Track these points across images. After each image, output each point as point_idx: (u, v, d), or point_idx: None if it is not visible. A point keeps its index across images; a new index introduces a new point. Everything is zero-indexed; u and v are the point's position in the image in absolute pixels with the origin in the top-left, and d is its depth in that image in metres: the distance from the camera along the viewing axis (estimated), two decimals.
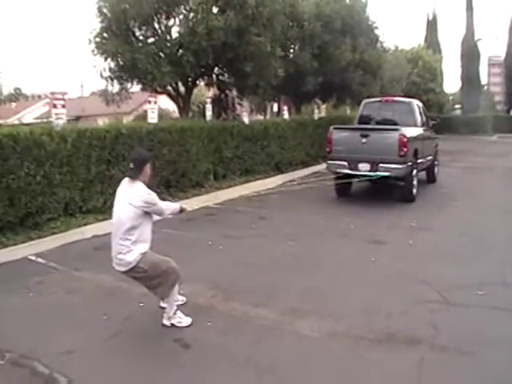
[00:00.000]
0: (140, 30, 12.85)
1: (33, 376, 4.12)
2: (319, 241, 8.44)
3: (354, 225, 9.38)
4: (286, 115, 18.33)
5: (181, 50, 12.69)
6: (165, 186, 11.70)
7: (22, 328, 5.08)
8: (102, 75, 13.53)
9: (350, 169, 11.28)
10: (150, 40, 12.89)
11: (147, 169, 5.09)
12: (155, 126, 11.50)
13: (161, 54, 12.58)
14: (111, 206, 9.26)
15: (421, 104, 13.81)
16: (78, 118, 30.38)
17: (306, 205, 11.56)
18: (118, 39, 12.34)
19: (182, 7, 12.60)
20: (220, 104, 16.65)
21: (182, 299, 5.52)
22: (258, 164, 15.63)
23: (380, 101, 13.54)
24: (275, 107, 24.31)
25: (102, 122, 13.61)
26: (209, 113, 14.32)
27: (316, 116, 20.23)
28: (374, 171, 10.85)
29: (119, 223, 4.91)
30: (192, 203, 10.59)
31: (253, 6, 12.39)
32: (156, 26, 12.91)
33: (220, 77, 15.43)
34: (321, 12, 17.38)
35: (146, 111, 13.34)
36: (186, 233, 9.01)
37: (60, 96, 9.68)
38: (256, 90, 15.40)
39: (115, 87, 14.12)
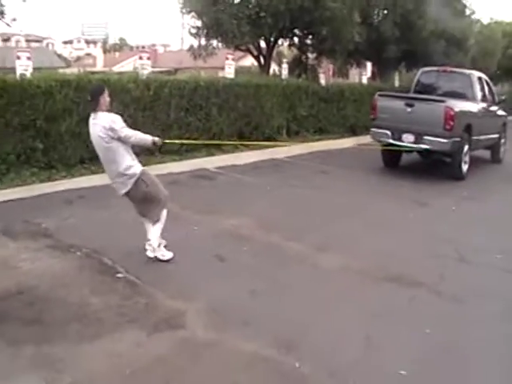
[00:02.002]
0: None
1: (99, 265, 5.35)
2: (367, 196, 9.16)
3: (404, 187, 10.00)
4: (364, 80, 18.76)
5: (260, 12, 13.45)
6: (238, 137, 12.70)
7: (99, 233, 6.32)
8: (190, 32, 14.65)
9: (394, 139, 10.75)
10: (232, 1, 13.74)
11: (105, 98, 5.27)
12: (231, 80, 12.50)
13: (241, 14, 13.42)
14: (188, 149, 10.57)
15: (485, 77, 12.98)
16: (175, 70, 31.69)
17: (367, 165, 11.99)
18: None
19: None
20: (300, 65, 17.36)
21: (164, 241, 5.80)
22: (333, 124, 16.36)
23: (437, 70, 12.78)
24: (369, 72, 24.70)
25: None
26: (284, 72, 15.10)
27: (397, 83, 20.45)
28: (418, 143, 10.38)
29: (102, 158, 5.38)
30: (262, 155, 11.70)
31: None
32: None
33: (300, 39, 16.09)
34: None
35: (240, 67, 14.31)
36: (251, 178, 10.04)
37: (146, 49, 10.81)
38: (333, 54, 15.95)
39: (201, 43, 15.19)
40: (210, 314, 4.44)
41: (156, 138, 5.58)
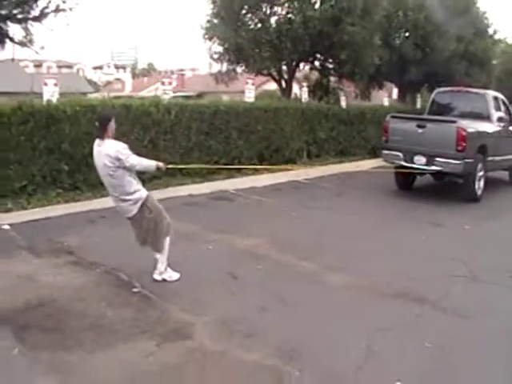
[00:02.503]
0: (245, 16, 14.17)
1: (117, 280, 5.64)
2: (381, 217, 9.32)
3: (419, 208, 10.09)
4: (385, 102, 18.97)
5: (280, 37, 13.85)
6: (258, 160, 12.99)
7: (118, 251, 6.63)
8: (212, 57, 15.13)
9: (405, 161, 10.68)
10: (253, 27, 14.19)
11: (112, 125, 5.38)
12: (251, 104, 12.85)
13: (262, 40, 13.83)
14: (209, 171, 10.88)
15: (502, 97, 12.64)
16: (200, 94, 32.28)
17: (384, 187, 12.04)
18: (225, 25, 13.81)
19: None
20: (321, 87, 17.69)
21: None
22: (354, 147, 16.58)
23: (452, 91, 12.66)
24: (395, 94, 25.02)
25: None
26: (305, 95, 15.43)
27: (419, 104, 20.60)
28: (430, 165, 10.29)
29: (106, 183, 5.46)
30: (282, 177, 11.96)
31: None
32: (259, 13, 14.16)
33: (321, 62, 16.44)
34: (424, 3, 17.69)
35: (265, 91, 14.69)
36: (270, 200, 10.30)
37: (174, 74, 11.29)
38: (353, 77, 16.25)
39: (223, 68, 15.67)
40: (218, 327, 4.67)
41: (160, 164, 5.65)
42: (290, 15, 13.56)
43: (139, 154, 9.93)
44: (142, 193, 5.48)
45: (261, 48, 13.81)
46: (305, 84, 16.35)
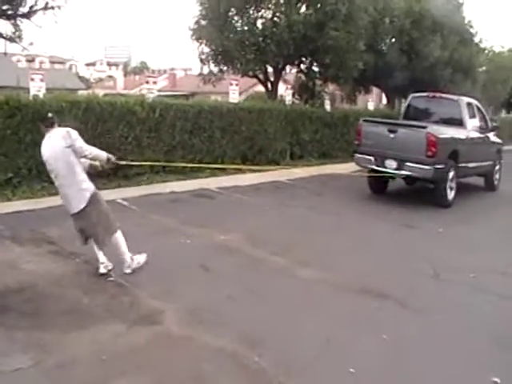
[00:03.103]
0: (232, 18, 14.48)
1: (94, 270, 5.95)
2: (356, 217, 9.60)
3: (394, 211, 10.33)
4: (370, 106, 19.34)
5: (265, 40, 14.17)
6: (241, 160, 13.28)
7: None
8: (199, 58, 15.44)
9: (377, 165, 10.74)
10: (239, 29, 14.50)
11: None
12: (235, 105, 13.14)
13: (247, 42, 14.14)
14: (192, 170, 11.12)
15: (476, 103, 12.70)
16: (192, 95, 32.48)
17: (362, 190, 12.19)
18: (212, 27, 14.11)
19: (267, 2, 14.02)
20: (307, 91, 18.02)
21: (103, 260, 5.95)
22: (336, 149, 16.92)
23: (427, 96, 12.56)
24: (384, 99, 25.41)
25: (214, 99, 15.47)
26: (288, 97, 15.76)
27: (403, 109, 20.94)
28: (401, 170, 10.33)
29: (60, 171, 5.47)
30: (264, 177, 12.24)
31: (332, 3, 13.61)
32: (246, 16, 14.47)
33: (306, 66, 16.79)
34: (411, 9, 18.07)
35: (256, 92, 14.97)
36: (250, 198, 10.59)
37: (153, 74, 11.56)
38: (337, 80, 16.60)
39: (210, 69, 15.99)
40: (186, 314, 4.96)
41: (110, 156, 5.77)
42: (275, 19, 13.86)
43: (125, 151, 10.31)
44: (91, 184, 5.63)
45: (246, 50, 14.10)
46: (289, 86, 16.64)
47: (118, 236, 5.79)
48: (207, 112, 12.27)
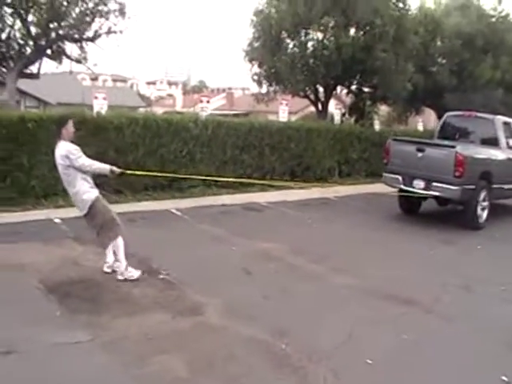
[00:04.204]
0: (282, 41, 15.19)
1: (147, 268, 6.65)
2: (396, 233, 9.97)
3: (434, 228, 10.52)
4: (420, 127, 19.57)
5: (314, 62, 14.78)
6: (290, 176, 13.83)
7: (152, 246, 7.62)
8: (252, 78, 16.24)
9: (405, 184, 10.56)
10: (290, 51, 15.18)
11: (67, 129, 5.92)
12: (285, 124, 13.76)
13: (297, 63, 14.80)
14: (242, 184, 11.75)
15: None
16: (247, 114, 33.34)
17: None
18: (264, 48, 14.86)
19: (317, 25, 14.65)
20: (357, 111, 18.46)
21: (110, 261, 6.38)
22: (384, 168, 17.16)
23: (463, 115, 12.26)
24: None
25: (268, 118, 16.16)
26: (337, 117, 16.26)
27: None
28: (428, 190, 10.16)
29: (63, 180, 5.98)
30: (313, 193, 12.71)
31: (380, 25, 14.08)
32: (296, 38, 15.15)
33: (357, 86, 17.29)
34: (461, 30, 18.25)
35: (311, 112, 15.56)
36: (297, 213, 11.10)
37: (206, 94, 12.37)
38: (385, 101, 16.99)
39: (263, 89, 16.76)
40: (225, 308, 5.55)
41: (114, 168, 6.10)
42: (324, 41, 14.51)
43: (179, 164, 11.08)
44: (91, 195, 5.99)
45: (296, 71, 14.76)
46: (338, 107, 17.15)
47: (119, 242, 6.13)
48: (257, 130, 12.95)
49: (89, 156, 10.03)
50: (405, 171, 10.55)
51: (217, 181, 11.33)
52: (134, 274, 6.18)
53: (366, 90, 17.54)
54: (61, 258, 6.79)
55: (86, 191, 5.95)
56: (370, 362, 4.60)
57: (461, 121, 12.28)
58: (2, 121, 9.46)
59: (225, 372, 4.27)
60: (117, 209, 9.59)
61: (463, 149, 10.14)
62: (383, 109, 25.13)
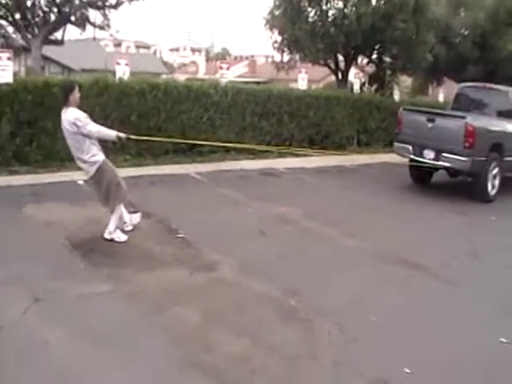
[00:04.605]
0: (303, 10, 15.21)
1: (166, 227, 7.02)
2: (410, 202, 10.11)
3: (447, 199, 10.47)
4: (441, 98, 19.50)
5: (334, 31, 14.80)
6: (308, 143, 13.99)
7: (171, 207, 7.96)
8: (273, 46, 16.33)
9: (415, 154, 10.54)
10: (310, 20, 15.21)
11: (75, 95, 5.95)
12: (304, 91, 13.88)
13: (318, 32, 14.84)
14: (260, 151, 11.95)
15: None
16: (270, 81, 33.28)
17: None
18: (284, 17, 14.91)
19: None
20: (377, 80, 18.44)
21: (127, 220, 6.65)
22: None
23: (476, 86, 12.13)
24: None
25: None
26: (356, 86, 16.32)
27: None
28: (438, 161, 10.09)
29: (70, 145, 6.08)
30: (331, 161, 12.87)
31: None
32: (317, 7, 15.15)
33: (377, 56, 17.26)
34: (485, 2, 18.01)
35: (334, 81, 15.61)
36: (313, 179, 11.39)
37: (226, 61, 12.55)
38: (405, 71, 16.96)
39: (284, 57, 16.84)
40: (239, 265, 5.86)
41: (120, 134, 6.18)
42: (345, 10, 14.49)
43: (199, 130, 11.33)
44: (99, 157, 6.12)
45: (316, 40, 14.80)
46: (358, 76, 17.16)
47: (119, 206, 6.33)
48: (276, 97, 13.10)
49: (112, 120, 10.46)
50: (415, 141, 10.55)
51: (233, 148, 11.50)
52: (122, 237, 6.32)
53: (386, 59, 17.47)
54: (85, 217, 7.13)
55: (94, 154, 6.07)
56: (375, 319, 4.87)
57: (475, 92, 12.09)
58: (28, 86, 9.76)
59: (236, 322, 4.58)
60: (138, 172, 10.09)
61: (473, 119, 10.05)
62: (406, 79, 25.05)
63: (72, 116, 5.86)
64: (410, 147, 10.64)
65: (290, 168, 12.12)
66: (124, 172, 9.83)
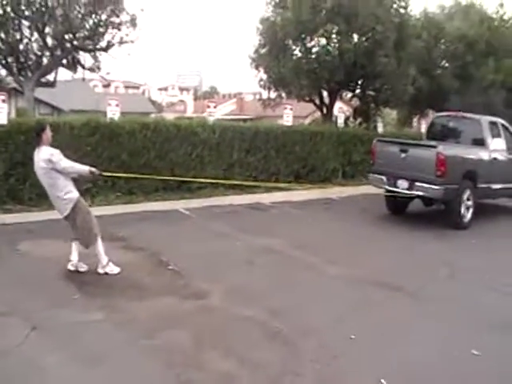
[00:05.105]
0: (287, 47, 15.85)
1: (157, 260, 7.33)
2: (391, 230, 10.47)
3: (431, 225, 10.94)
4: (423, 129, 20.05)
5: (318, 68, 15.40)
6: (295, 178, 14.40)
7: (161, 241, 8.25)
8: (259, 84, 16.92)
9: (389, 185, 10.71)
10: (294, 57, 15.82)
11: (47, 134, 6.18)
12: (289, 127, 14.36)
13: (302, 69, 15.43)
14: (249, 186, 12.32)
15: (503, 123, 12.19)
16: (257, 118, 33.93)
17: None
18: (269, 55, 15.52)
19: (321, 32, 15.29)
20: (362, 114, 19.02)
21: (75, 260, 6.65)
22: None
23: (449, 116, 12.36)
24: None
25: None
26: (340, 121, 16.82)
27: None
28: (412, 190, 10.25)
29: (45, 184, 6.25)
30: (316, 194, 13.26)
31: (381, 31, 14.68)
32: (300, 45, 15.80)
33: (361, 90, 17.88)
34: (464, 34, 18.73)
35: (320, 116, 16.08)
36: (299, 211, 11.75)
37: (213, 99, 13.06)
38: (388, 104, 17.55)
39: (270, 94, 17.43)
40: (227, 293, 6.17)
41: (93, 169, 6.42)
42: (328, 47, 15.15)
43: (188, 167, 11.71)
44: (74, 194, 6.32)
45: (300, 77, 15.37)
46: (340, 110, 17.73)
47: (99, 241, 6.54)
48: (263, 133, 13.56)
49: (103, 159, 10.83)
50: (389, 171, 10.72)
51: (221, 183, 11.86)
52: (115, 269, 6.57)
53: (369, 93, 18.07)
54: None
55: (68, 191, 6.25)
56: (353, 336, 5.16)
57: (448, 121, 12.37)
58: (21, 127, 10.13)
59: (224, 344, 4.86)
60: (129, 209, 10.41)
61: (445, 148, 10.25)
62: (392, 112, 25.76)
63: (47, 153, 6.08)
64: (385, 178, 10.83)
65: (276, 202, 12.47)
66: (115, 209, 10.31)
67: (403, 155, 10.48)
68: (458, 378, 4.52)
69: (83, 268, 6.63)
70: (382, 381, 4.28)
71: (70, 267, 6.56)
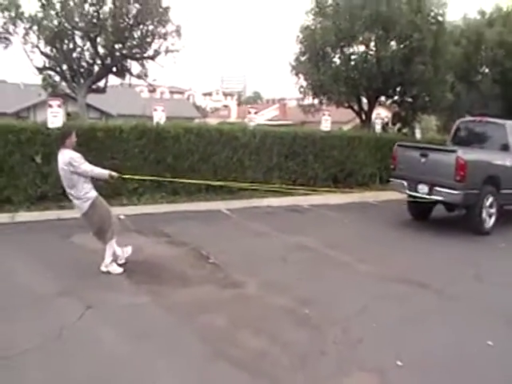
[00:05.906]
0: (327, 55, 16.34)
1: (199, 254, 7.96)
2: (423, 232, 10.74)
3: (456, 230, 10.98)
4: None
5: (356, 75, 15.83)
6: (332, 182, 14.81)
7: (203, 238, 8.90)
8: (299, 91, 17.45)
9: (410, 189, 10.80)
10: (333, 65, 16.30)
11: (71, 139, 6.55)
12: (328, 133, 14.80)
13: (341, 76, 15.90)
14: (287, 188, 12.81)
15: None
16: (301, 123, 34.38)
17: (437, 209, 12.39)
18: (309, 62, 16.04)
19: (359, 40, 15.76)
20: (400, 120, 19.30)
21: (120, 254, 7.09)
22: None
23: (474, 121, 12.36)
24: None
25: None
26: (378, 127, 17.12)
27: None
28: (432, 195, 10.30)
29: (65, 184, 6.61)
30: (354, 197, 13.65)
31: (418, 39, 15.04)
32: (339, 53, 16.27)
33: (399, 97, 18.19)
34: (504, 39, 18.79)
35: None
36: (336, 214, 12.15)
37: (255, 105, 13.67)
38: (425, 111, 17.83)
39: (310, 100, 17.96)
40: (262, 284, 6.74)
41: (113, 173, 6.74)
42: (366, 54, 15.61)
43: (229, 170, 12.30)
44: (92, 194, 6.65)
45: (339, 84, 15.82)
46: (378, 116, 18.05)
47: (113, 241, 6.84)
48: (301, 138, 14.04)
49: (150, 161, 11.54)
50: (410, 176, 10.80)
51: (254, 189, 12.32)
52: (117, 269, 6.87)
53: (407, 99, 18.34)
54: (126, 244, 8.04)
55: (87, 191, 6.60)
56: (375, 325, 5.64)
57: (473, 126, 12.31)
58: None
59: (257, 326, 5.43)
60: (174, 208, 11.11)
61: (465, 153, 10.21)
62: (432, 118, 25.84)
63: (68, 156, 6.44)
64: (406, 182, 10.90)
65: (314, 204, 12.96)
66: (160, 208, 11.02)
67: (423, 160, 10.56)
68: (470, 364, 4.92)
69: (127, 252, 7.20)
70: (398, 362, 4.75)
71: (103, 268, 6.86)
